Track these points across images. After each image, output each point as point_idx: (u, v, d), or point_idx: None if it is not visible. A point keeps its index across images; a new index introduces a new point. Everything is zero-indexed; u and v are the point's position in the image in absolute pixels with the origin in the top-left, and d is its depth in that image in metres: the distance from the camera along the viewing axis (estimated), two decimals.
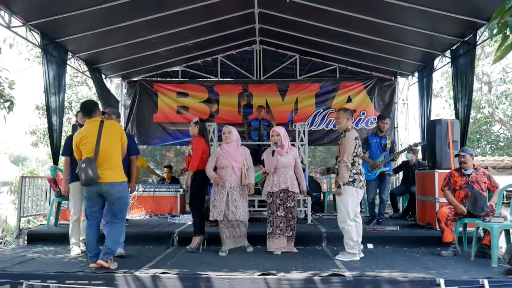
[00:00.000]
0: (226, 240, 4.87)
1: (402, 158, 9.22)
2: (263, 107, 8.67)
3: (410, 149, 6.68)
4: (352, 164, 4.48)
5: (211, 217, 4.88)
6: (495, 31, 2.38)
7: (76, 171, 3.98)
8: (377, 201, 6.37)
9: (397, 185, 7.86)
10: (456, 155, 5.00)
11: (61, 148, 5.98)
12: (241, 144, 5.08)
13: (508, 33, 2.32)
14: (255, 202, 6.39)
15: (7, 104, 6.88)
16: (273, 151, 4.82)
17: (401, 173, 7.67)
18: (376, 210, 6.32)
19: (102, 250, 3.93)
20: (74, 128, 6.17)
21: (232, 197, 4.77)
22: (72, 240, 4.80)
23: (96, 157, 3.91)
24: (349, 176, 4.46)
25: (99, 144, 3.93)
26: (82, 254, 4.68)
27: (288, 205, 4.84)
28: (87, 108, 4.16)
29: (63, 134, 7.09)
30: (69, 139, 4.63)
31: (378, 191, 6.25)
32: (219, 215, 4.77)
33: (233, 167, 4.81)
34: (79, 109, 5.05)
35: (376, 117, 6.64)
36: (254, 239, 5.11)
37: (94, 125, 4.04)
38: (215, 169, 4.88)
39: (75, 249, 4.75)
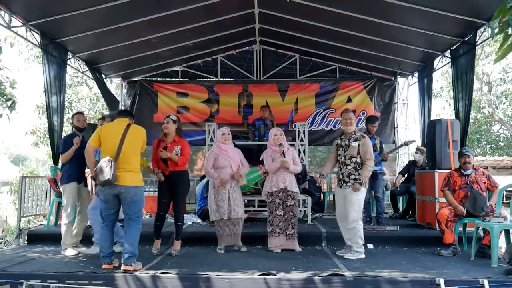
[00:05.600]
0: (225, 238, 4.92)
1: (403, 159, 9.23)
2: (267, 107, 8.68)
3: (418, 149, 6.76)
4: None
5: (214, 217, 4.90)
6: (496, 30, 2.37)
7: (94, 170, 3.91)
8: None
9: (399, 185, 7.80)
10: (460, 156, 4.96)
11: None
12: (239, 144, 5.10)
13: (509, 32, 2.32)
14: (255, 202, 6.38)
15: (9, 103, 6.86)
16: (283, 152, 4.84)
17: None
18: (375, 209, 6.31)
19: (123, 255, 3.92)
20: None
21: (232, 195, 4.89)
22: (65, 243, 4.78)
23: (117, 158, 3.93)
24: None
25: (122, 146, 3.96)
26: (80, 254, 4.69)
27: (288, 204, 4.88)
28: (123, 112, 4.38)
29: (64, 134, 7.08)
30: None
31: (372, 192, 6.21)
32: (224, 214, 4.83)
33: (231, 167, 4.90)
34: (74, 113, 5.12)
35: (366, 119, 6.54)
36: (254, 239, 5.12)
37: (121, 125, 4.09)
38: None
39: (69, 250, 4.73)
